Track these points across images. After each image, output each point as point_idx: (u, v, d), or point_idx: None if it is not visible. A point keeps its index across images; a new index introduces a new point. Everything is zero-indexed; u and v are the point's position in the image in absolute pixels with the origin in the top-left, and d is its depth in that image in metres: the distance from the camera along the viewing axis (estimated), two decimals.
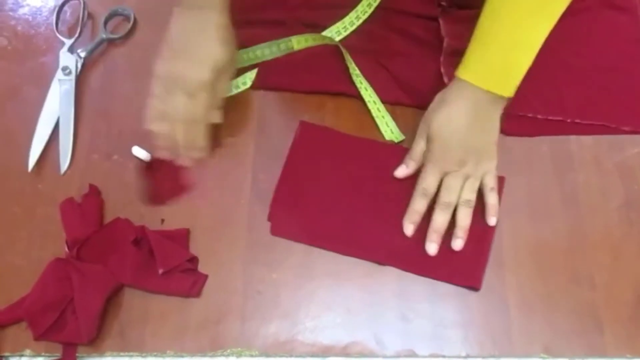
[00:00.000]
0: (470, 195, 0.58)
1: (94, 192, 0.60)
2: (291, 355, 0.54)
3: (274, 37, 0.65)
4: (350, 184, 0.61)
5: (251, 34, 0.66)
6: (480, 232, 0.58)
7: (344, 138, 0.63)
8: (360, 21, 0.68)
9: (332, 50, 0.66)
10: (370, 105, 0.64)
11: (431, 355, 0.54)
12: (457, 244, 0.57)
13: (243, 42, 0.64)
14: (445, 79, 0.64)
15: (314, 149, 0.63)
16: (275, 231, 0.59)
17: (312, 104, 0.65)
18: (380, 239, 0.58)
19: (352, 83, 0.65)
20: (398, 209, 0.59)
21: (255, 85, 0.63)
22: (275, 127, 0.64)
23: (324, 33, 0.67)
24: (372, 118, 0.64)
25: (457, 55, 0.65)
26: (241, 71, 0.63)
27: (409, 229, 0.58)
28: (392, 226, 0.59)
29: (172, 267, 0.56)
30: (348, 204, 0.60)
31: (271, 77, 0.66)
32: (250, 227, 0.59)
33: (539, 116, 0.63)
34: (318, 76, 0.66)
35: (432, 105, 0.59)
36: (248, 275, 0.57)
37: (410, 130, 0.63)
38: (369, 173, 0.61)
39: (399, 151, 0.62)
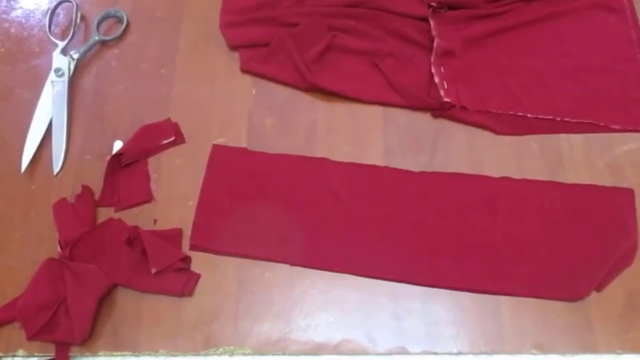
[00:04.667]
0: None
1: (87, 193, 0.61)
2: (284, 354, 0.54)
3: (268, 36, 0.66)
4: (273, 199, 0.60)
5: (247, 32, 0.67)
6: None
7: (257, 156, 0.63)
8: None
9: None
10: None
11: (423, 353, 0.54)
12: None
13: (241, 42, 0.64)
14: (436, 79, 0.65)
15: (228, 171, 0.62)
16: (196, 243, 0.58)
17: (305, 105, 0.65)
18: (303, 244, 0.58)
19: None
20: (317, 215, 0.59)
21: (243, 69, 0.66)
22: (267, 127, 0.64)
23: None
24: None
25: (447, 55, 0.66)
26: None
27: None
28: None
29: (165, 266, 0.56)
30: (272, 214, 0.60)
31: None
32: None
33: (529, 115, 0.64)
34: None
35: None
36: (241, 275, 0.57)
37: (402, 130, 0.64)
38: (293, 187, 0.61)
39: (318, 163, 0.62)
